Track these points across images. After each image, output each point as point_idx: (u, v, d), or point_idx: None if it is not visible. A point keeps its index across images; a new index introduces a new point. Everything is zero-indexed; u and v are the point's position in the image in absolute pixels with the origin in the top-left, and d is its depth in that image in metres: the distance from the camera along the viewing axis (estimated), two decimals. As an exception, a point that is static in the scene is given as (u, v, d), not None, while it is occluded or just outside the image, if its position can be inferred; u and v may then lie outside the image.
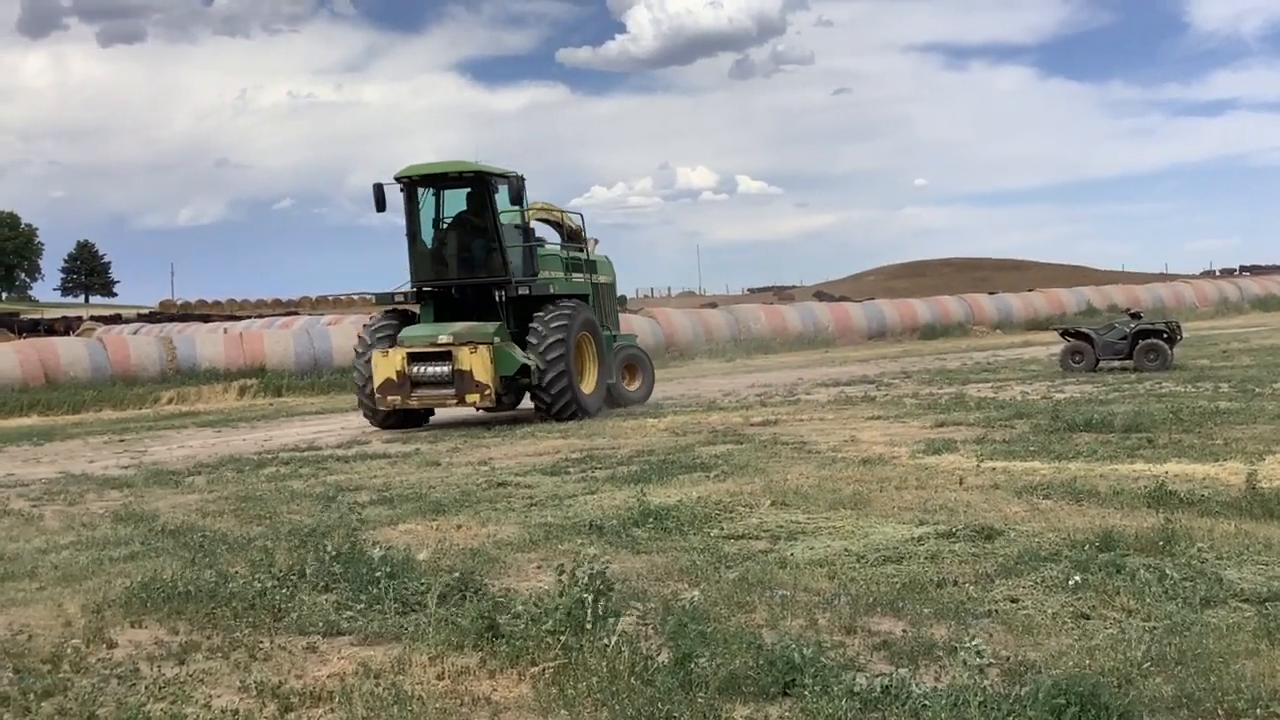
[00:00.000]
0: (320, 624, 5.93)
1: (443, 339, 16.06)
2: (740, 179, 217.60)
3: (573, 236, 19.18)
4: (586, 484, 10.21)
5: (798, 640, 4.97)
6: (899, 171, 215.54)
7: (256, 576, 6.69)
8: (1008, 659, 4.88)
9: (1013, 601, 5.78)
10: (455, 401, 16.06)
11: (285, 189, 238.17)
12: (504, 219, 16.88)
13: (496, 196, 16.75)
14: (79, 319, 66.78)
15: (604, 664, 4.81)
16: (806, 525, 7.81)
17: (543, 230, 18.81)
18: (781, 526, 7.80)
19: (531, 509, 9.06)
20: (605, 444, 13.14)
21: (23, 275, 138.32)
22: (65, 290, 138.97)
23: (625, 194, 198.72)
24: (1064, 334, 21.51)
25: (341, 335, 29.77)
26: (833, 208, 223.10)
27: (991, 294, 46.36)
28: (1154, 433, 11.45)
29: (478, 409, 16.60)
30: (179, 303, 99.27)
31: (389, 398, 16.13)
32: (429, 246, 17.20)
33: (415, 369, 15.99)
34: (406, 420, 16.80)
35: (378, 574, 6.49)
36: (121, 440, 17.28)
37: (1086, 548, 6.52)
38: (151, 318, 73.18)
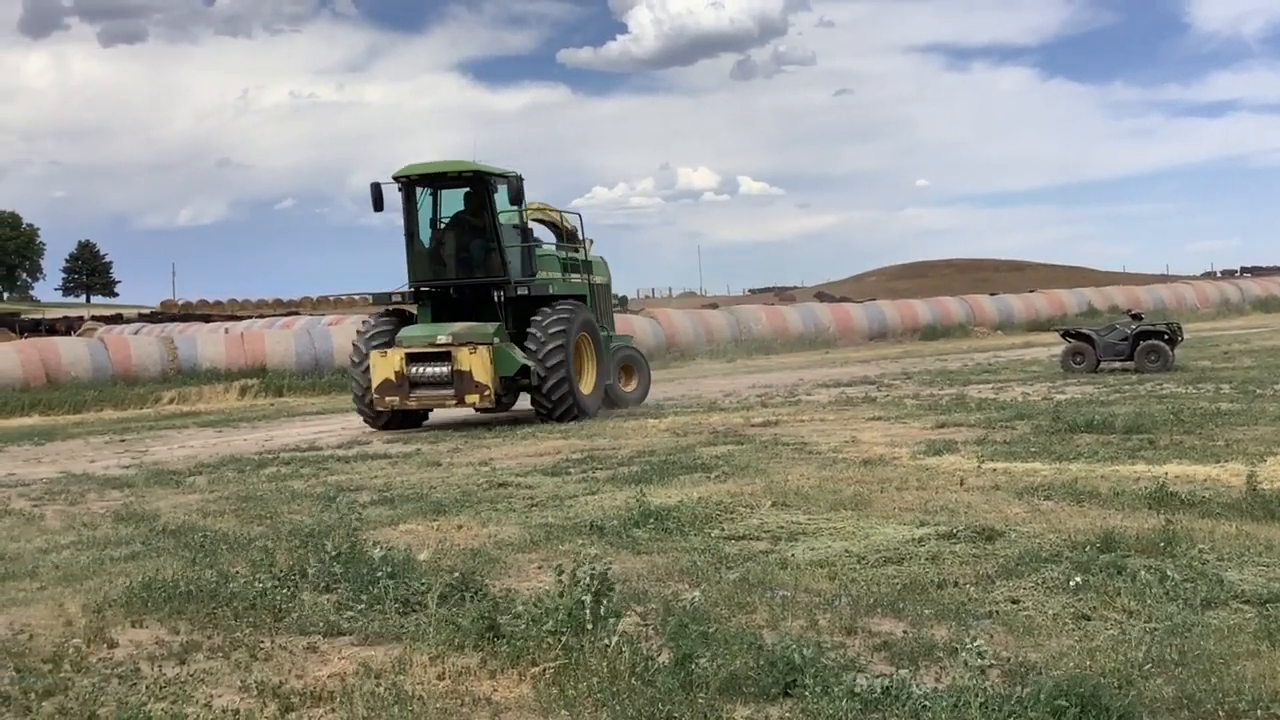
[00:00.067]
0: (321, 624, 5.93)
1: (442, 339, 16.02)
2: (741, 179, 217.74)
3: (568, 237, 19.17)
4: (587, 484, 10.21)
5: (798, 641, 4.97)
6: (900, 172, 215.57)
7: (257, 576, 6.70)
8: (1008, 660, 4.88)
9: (1013, 602, 5.77)
10: (454, 402, 16.03)
11: (287, 189, 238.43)
12: (502, 219, 16.87)
13: (495, 196, 16.73)
14: (80, 319, 66.83)
15: (605, 664, 4.81)
16: (807, 526, 7.81)
17: (539, 231, 18.80)
18: (782, 527, 7.79)
19: (532, 509, 9.06)
20: (606, 444, 13.14)
21: (24, 275, 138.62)
22: (66, 290, 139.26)
23: (627, 194, 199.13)
24: (1065, 335, 21.51)
25: (342, 335, 29.72)
26: (834, 208, 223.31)
27: (992, 295, 46.35)
28: (1155, 434, 11.45)
29: (477, 410, 16.58)
30: (180, 303, 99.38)
31: (387, 398, 16.07)
32: (427, 246, 17.15)
33: (414, 369, 15.94)
34: (404, 421, 16.78)
35: (378, 574, 6.49)
36: (122, 440, 17.29)
37: (1087, 549, 6.52)
38: (153, 318, 73.25)
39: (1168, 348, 19.71)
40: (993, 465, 10.03)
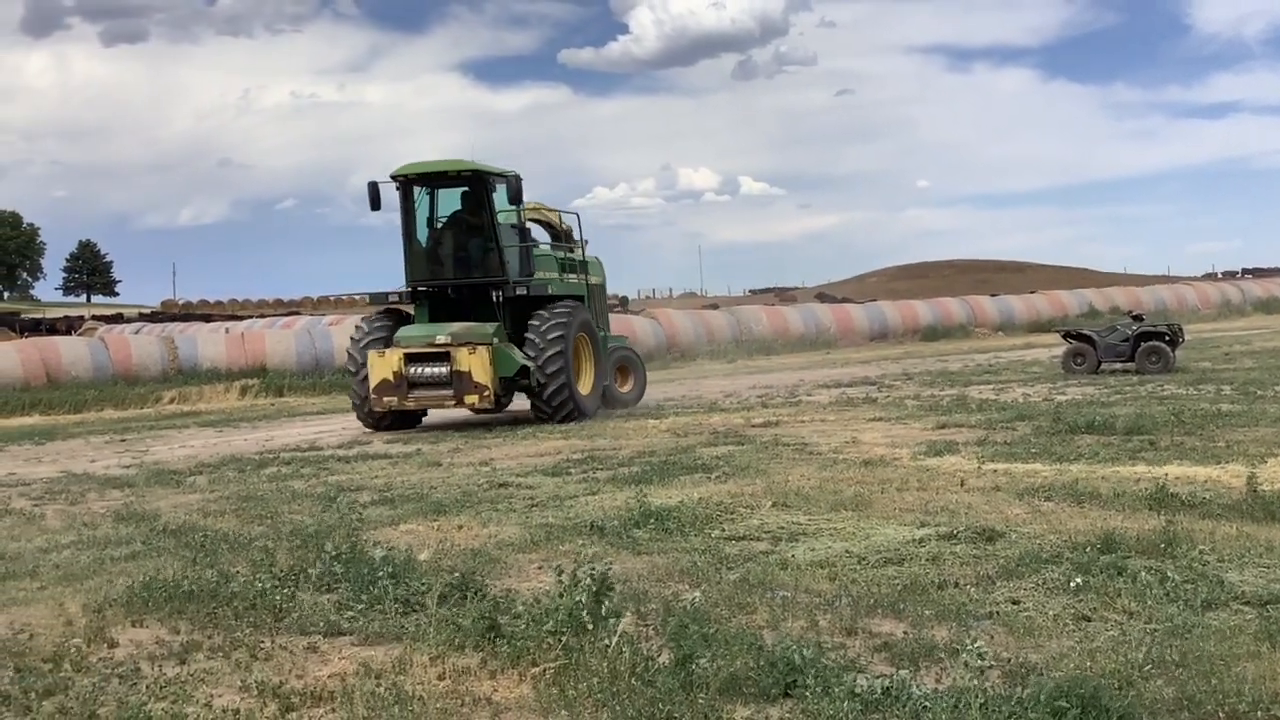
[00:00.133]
0: (321, 624, 5.93)
1: (441, 339, 15.97)
2: (742, 180, 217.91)
3: (564, 237, 19.15)
4: (588, 485, 10.21)
5: (799, 641, 4.97)
6: (901, 173, 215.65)
7: (258, 576, 6.70)
8: (1009, 661, 4.88)
9: (1014, 603, 5.77)
10: (453, 403, 15.99)
11: (287, 189, 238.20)
12: (500, 218, 16.83)
13: (494, 196, 16.68)
14: (81, 318, 66.82)
15: (605, 665, 4.81)
16: (808, 526, 7.81)
17: (534, 230, 18.77)
18: (783, 528, 7.79)
19: (532, 510, 9.06)
20: (606, 445, 13.14)
21: (25, 275, 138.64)
22: (67, 290, 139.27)
23: (627, 195, 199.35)
24: (1066, 336, 21.48)
25: (343, 335, 29.58)
26: (835, 209, 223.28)
27: (993, 296, 46.35)
28: (1156, 435, 11.45)
29: (475, 410, 16.54)
30: (181, 302, 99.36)
31: (385, 398, 16.00)
32: (424, 246, 17.08)
33: (413, 370, 15.88)
34: (400, 421, 16.75)
35: (379, 574, 6.49)
36: (123, 440, 17.28)
37: (1088, 550, 6.52)
38: (153, 317, 73.25)
39: (1169, 349, 19.70)
40: (993, 466, 10.03)
